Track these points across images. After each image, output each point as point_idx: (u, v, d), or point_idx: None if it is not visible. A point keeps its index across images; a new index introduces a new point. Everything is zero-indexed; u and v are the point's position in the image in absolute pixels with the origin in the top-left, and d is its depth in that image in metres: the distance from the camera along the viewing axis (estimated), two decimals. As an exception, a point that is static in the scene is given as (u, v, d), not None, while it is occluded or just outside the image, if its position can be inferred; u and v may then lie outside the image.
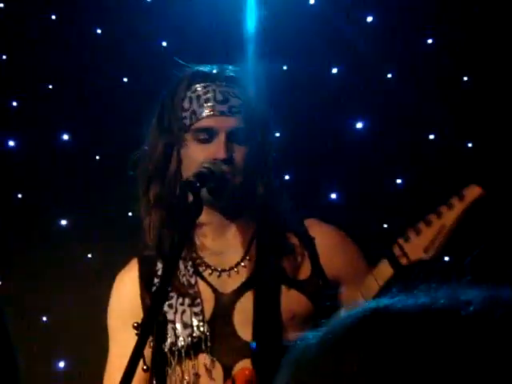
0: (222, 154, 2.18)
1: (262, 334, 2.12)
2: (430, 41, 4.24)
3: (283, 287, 2.18)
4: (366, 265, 2.22)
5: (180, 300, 2.18)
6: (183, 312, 2.15)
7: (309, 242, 2.25)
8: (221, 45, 4.22)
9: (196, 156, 2.22)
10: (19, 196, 4.45)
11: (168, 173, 2.28)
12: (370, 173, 4.29)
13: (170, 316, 2.15)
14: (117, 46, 4.41)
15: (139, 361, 1.70)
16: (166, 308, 2.15)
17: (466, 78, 4.21)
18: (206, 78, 2.26)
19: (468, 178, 4.10)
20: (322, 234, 2.28)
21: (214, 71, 2.27)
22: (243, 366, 2.10)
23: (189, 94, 2.25)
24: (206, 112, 2.20)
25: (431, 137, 4.26)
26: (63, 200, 4.44)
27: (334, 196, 4.35)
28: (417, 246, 1.85)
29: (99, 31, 4.43)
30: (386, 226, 4.23)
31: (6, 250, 4.38)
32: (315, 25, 4.27)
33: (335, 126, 4.36)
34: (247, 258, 2.25)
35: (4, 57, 4.41)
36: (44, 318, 4.32)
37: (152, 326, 1.77)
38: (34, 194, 4.45)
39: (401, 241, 1.87)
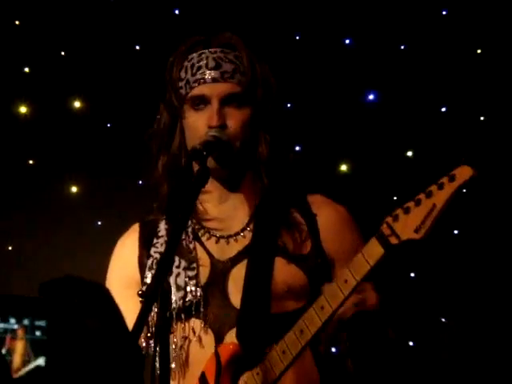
0: (214, 121, 2.18)
1: (250, 304, 2.13)
2: (444, 12, 4.22)
3: (281, 260, 2.18)
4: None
5: (176, 262, 2.19)
6: (178, 275, 2.17)
7: (311, 219, 2.25)
8: (233, 13, 4.21)
9: (194, 125, 2.23)
10: (30, 162, 4.46)
11: (173, 144, 2.29)
12: (380, 145, 4.28)
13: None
14: (129, 13, 4.40)
15: (143, 328, 1.72)
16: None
17: (479, 51, 4.18)
18: (201, 45, 2.25)
19: (478, 152, 4.14)
20: (325, 212, 2.27)
21: (210, 38, 2.26)
22: (228, 342, 2.11)
23: (185, 63, 2.25)
24: (198, 80, 2.21)
25: (443, 109, 4.24)
26: (74, 167, 4.46)
27: (343, 168, 4.34)
28: (407, 225, 1.82)
29: (112, -2, 4.43)
30: (395, 198, 4.23)
31: (17, 216, 4.41)
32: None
33: (347, 97, 4.34)
34: (248, 228, 2.26)
35: (17, 22, 4.41)
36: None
37: (157, 293, 1.78)
38: (45, 161, 4.46)
39: (389, 220, 1.84)
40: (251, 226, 2.26)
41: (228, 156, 2.19)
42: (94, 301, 1.36)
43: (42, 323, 1.38)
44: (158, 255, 2.25)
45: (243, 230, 2.26)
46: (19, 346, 1.37)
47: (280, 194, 2.26)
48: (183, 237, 2.23)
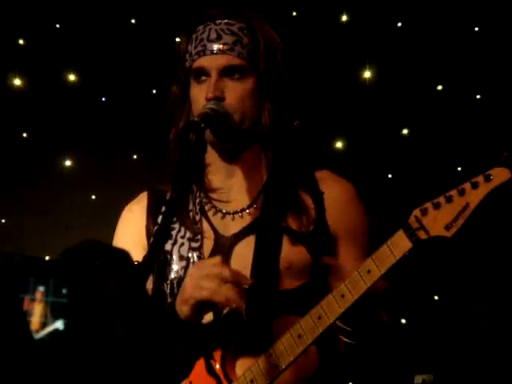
0: (209, 94, 2.16)
1: (257, 280, 2.13)
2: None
3: (286, 239, 2.18)
4: (367, 228, 2.21)
5: (181, 232, 2.18)
6: (181, 244, 2.16)
7: (317, 197, 2.23)
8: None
9: (196, 97, 2.22)
10: (24, 135, 4.45)
11: (182, 115, 2.28)
12: (376, 123, 4.28)
13: (167, 246, 2.17)
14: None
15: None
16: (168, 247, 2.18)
17: (477, 29, 4.18)
18: (208, 17, 2.25)
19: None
20: (332, 190, 2.25)
21: (219, 10, 2.25)
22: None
23: (193, 35, 2.25)
24: (198, 52, 2.20)
25: (439, 87, 4.24)
26: (68, 141, 4.45)
27: (339, 145, 4.34)
28: (437, 221, 1.78)
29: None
30: (390, 176, 4.23)
31: (11, 189, 4.40)
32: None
33: (343, 74, 4.33)
34: (254, 205, 2.24)
35: (12, -6, 4.38)
36: (47, 258, 4.35)
37: (153, 264, 1.77)
38: (39, 134, 4.45)
39: (418, 213, 1.80)
40: (258, 203, 2.25)
41: (226, 129, 2.17)
42: (115, 264, 1.36)
43: (62, 286, 1.38)
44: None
45: (249, 206, 2.25)
46: (38, 308, 1.37)
47: (287, 171, 2.25)
48: (190, 207, 2.23)
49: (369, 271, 1.88)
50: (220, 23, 2.22)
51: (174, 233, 2.20)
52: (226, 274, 1.89)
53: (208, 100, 2.16)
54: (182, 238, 2.19)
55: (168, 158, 2.26)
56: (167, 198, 2.18)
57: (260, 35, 2.23)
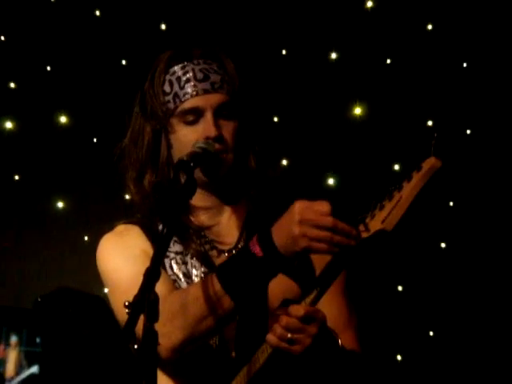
0: (212, 132, 2.15)
1: (247, 320, 2.12)
2: (429, 27, 4.24)
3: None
4: None
5: (197, 265, 2.18)
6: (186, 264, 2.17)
7: None
8: (219, 28, 4.23)
9: (186, 138, 2.19)
10: (16, 178, 4.45)
11: (160, 159, 2.26)
12: (367, 159, 4.29)
13: (182, 284, 2.15)
14: (116, 28, 4.40)
15: (130, 339, 1.70)
16: (181, 276, 2.15)
17: (465, 65, 4.21)
18: (182, 58, 2.23)
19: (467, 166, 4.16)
20: None
21: (190, 50, 2.24)
22: None
23: (168, 77, 2.22)
24: (189, 93, 2.18)
25: (429, 123, 4.26)
26: (60, 182, 4.45)
27: (330, 181, 4.35)
28: (377, 219, 1.85)
29: (98, 13, 4.43)
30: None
31: (3, 232, 4.40)
32: (314, 9, 4.27)
33: (333, 111, 4.35)
34: (241, 243, 2.25)
35: (2, 38, 4.40)
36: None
37: (143, 305, 1.76)
38: (31, 176, 4.45)
39: (368, 219, 1.86)
40: (243, 239, 2.25)
41: (216, 168, 2.17)
42: (89, 310, 1.36)
43: (35, 336, 1.38)
44: (173, 255, 2.22)
45: (236, 245, 2.25)
46: (12, 355, 1.36)
47: (268, 206, 2.25)
48: (198, 242, 2.22)
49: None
50: (199, 63, 2.21)
51: (189, 268, 2.19)
52: (339, 226, 1.86)
53: (209, 139, 2.15)
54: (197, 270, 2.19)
55: (143, 206, 2.23)
56: (157, 234, 2.16)
57: (236, 74, 2.25)
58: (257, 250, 1.95)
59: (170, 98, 2.21)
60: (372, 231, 1.83)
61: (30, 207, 4.44)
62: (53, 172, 4.44)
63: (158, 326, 1.72)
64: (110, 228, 2.28)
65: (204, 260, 2.18)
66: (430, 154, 1.75)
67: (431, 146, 1.75)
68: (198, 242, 2.21)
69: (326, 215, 1.86)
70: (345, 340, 2.07)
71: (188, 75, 2.20)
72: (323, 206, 1.88)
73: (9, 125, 4.41)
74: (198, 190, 2.12)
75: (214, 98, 2.19)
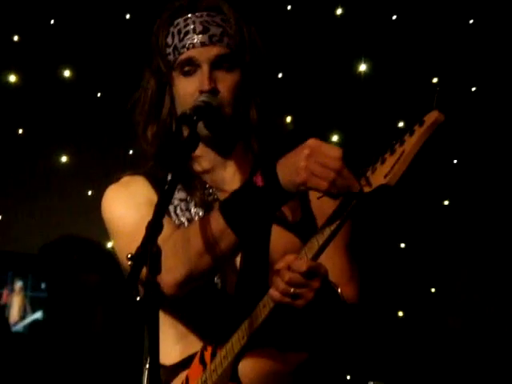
0: (205, 86, 2.14)
1: (249, 274, 2.13)
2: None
3: (277, 228, 2.18)
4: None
5: (200, 213, 2.18)
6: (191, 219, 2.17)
7: None
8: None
9: (184, 91, 2.19)
10: (20, 132, 4.45)
11: (162, 112, 2.26)
12: (372, 116, 4.28)
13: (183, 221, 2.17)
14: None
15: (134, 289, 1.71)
16: (184, 221, 2.15)
17: (471, 21, 4.18)
18: (186, 10, 2.22)
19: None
20: None
21: (195, 2, 2.23)
22: None
23: (171, 29, 2.21)
24: (186, 45, 2.18)
25: (435, 80, 4.24)
26: (64, 137, 4.45)
27: (334, 138, 4.34)
28: (380, 173, 1.83)
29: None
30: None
31: (7, 186, 4.41)
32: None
33: (338, 67, 4.33)
34: None
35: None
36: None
37: (146, 257, 1.77)
38: (35, 130, 4.45)
39: (369, 173, 1.84)
40: None
41: (219, 122, 2.17)
42: (93, 257, 1.37)
43: (40, 281, 1.39)
44: (177, 201, 2.22)
45: None
46: (16, 301, 1.37)
47: (271, 161, 2.25)
48: (203, 189, 2.22)
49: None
50: (202, 15, 2.20)
51: (193, 214, 2.20)
52: (345, 172, 1.84)
53: (203, 92, 2.15)
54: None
55: (147, 157, 2.24)
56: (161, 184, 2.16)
57: (244, 28, 2.23)
58: (259, 180, 1.95)
59: (170, 50, 2.21)
60: (374, 186, 1.82)
61: (33, 162, 4.45)
62: (56, 126, 4.43)
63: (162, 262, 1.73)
64: (115, 181, 2.30)
65: (207, 209, 2.19)
66: (432, 108, 1.74)
67: (434, 100, 1.74)
68: (201, 192, 2.22)
69: (336, 159, 1.86)
70: (346, 294, 2.09)
71: (188, 27, 2.19)
72: (335, 151, 1.87)
73: (12, 78, 4.39)
74: (202, 144, 2.12)
75: (212, 51, 2.18)
